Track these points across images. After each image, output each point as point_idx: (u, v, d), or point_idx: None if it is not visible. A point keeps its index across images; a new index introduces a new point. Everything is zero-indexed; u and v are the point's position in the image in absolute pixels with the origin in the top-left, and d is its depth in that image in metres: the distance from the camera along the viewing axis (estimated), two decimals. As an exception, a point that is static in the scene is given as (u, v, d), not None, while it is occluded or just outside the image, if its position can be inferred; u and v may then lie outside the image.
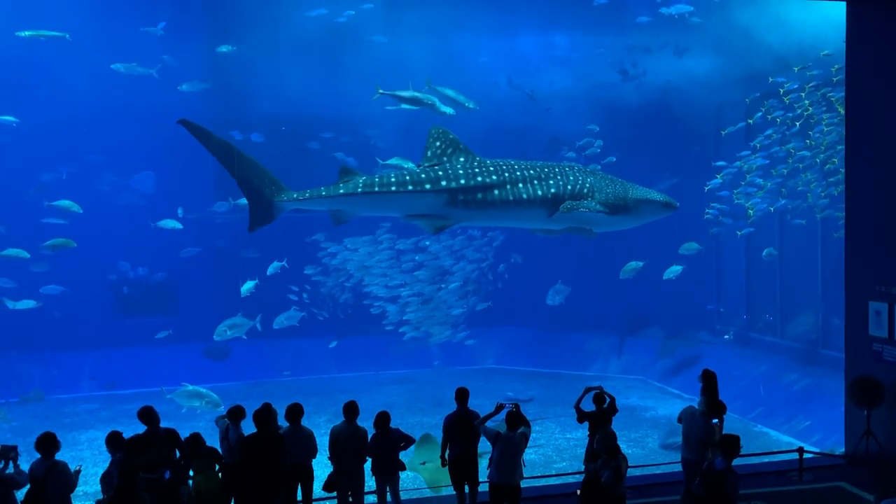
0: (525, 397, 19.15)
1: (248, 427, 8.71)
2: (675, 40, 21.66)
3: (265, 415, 8.36)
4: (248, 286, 19.86)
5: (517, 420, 8.47)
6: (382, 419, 8.80)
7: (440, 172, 13.07)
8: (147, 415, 8.47)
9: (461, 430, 8.98)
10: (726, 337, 22.38)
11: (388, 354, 22.90)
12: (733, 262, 22.97)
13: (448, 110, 16.28)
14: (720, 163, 20.63)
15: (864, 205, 11.81)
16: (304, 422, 8.83)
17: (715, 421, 8.72)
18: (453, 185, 12.95)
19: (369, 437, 8.83)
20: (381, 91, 16.18)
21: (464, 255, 23.26)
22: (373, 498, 9.07)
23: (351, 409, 8.81)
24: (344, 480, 8.78)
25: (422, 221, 13.31)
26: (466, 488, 9.17)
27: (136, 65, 20.33)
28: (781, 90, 18.26)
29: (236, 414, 8.73)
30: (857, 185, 11.98)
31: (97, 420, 18.40)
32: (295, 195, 13.11)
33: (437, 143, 13.48)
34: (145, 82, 21.34)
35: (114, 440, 8.17)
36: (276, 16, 21.26)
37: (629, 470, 10.34)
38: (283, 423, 8.74)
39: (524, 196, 13.10)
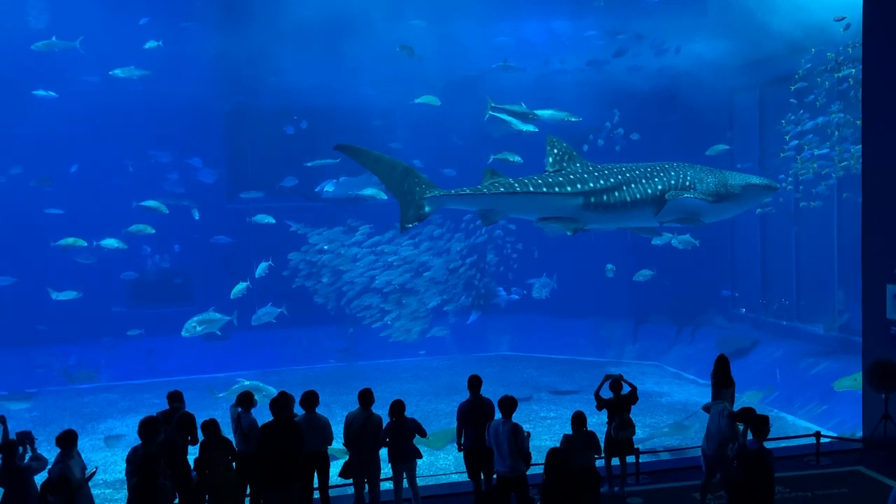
0: (572, 388, 19.06)
1: (258, 414, 8.79)
2: (683, 24, 21.39)
3: (282, 402, 8.41)
4: (239, 287, 19.79)
5: (509, 406, 8.42)
6: (397, 408, 8.83)
7: (571, 177, 13.63)
8: (174, 398, 8.71)
9: (475, 417, 8.98)
10: (739, 316, 22.27)
11: (402, 342, 22.94)
12: (748, 245, 22.83)
13: (530, 128, 17.11)
14: (790, 128, 19.45)
15: (881, 184, 11.66)
16: (319, 410, 8.87)
17: (741, 427, 8.66)
18: (587, 187, 13.49)
19: (384, 424, 8.87)
20: (492, 105, 17.01)
21: (448, 249, 23.31)
22: (389, 485, 9.12)
23: (366, 397, 8.85)
24: (359, 467, 8.83)
25: (557, 224, 13.81)
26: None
27: (54, 38, 20.12)
28: (830, 54, 17.54)
29: (246, 400, 8.80)
30: (874, 163, 11.82)
31: (116, 410, 18.59)
32: (453, 192, 13.52)
33: (555, 151, 13.99)
34: (153, 74, 21.52)
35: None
36: (282, 4, 21.23)
37: (644, 456, 10.43)
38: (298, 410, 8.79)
39: (638, 196, 13.68)
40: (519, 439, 8.23)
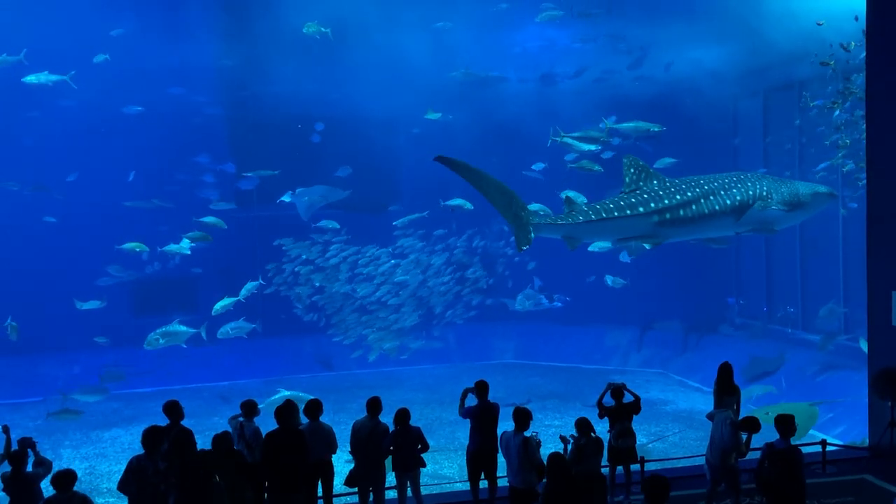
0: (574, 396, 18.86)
1: (262, 422, 8.79)
2: (684, 32, 21.32)
3: (287, 411, 8.40)
4: (223, 303, 19.60)
5: (523, 418, 8.41)
6: (402, 416, 8.82)
7: (645, 196, 13.98)
8: (172, 409, 8.55)
9: (482, 422, 9.02)
10: (737, 323, 22.12)
11: (405, 351, 22.92)
12: (753, 253, 22.77)
13: (592, 147, 17.71)
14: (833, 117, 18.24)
15: (886, 189, 11.61)
16: (323, 418, 8.86)
17: (745, 436, 8.62)
18: (661, 205, 13.88)
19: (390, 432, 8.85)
20: (562, 134, 17.51)
21: (431, 264, 23.35)
22: (393, 493, 9.10)
23: (374, 405, 8.86)
24: (365, 475, 8.82)
25: (634, 242, 14.37)
26: (485, 483, 9.18)
27: (4, 55, 19.97)
28: (849, 44, 17.32)
29: (249, 409, 8.79)
30: (879, 168, 11.76)
31: (120, 418, 18.56)
32: (549, 220, 14.11)
33: (632, 171, 14.32)
34: (158, 85, 21.52)
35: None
36: (281, 16, 21.28)
37: (649, 464, 10.38)
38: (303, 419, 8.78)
39: (716, 207, 14.03)
40: (530, 452, 8.24)
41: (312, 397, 15.02)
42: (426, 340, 23.21)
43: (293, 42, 21.53)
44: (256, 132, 24.17)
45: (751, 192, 14.14)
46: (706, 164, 20.84)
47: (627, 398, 9.54)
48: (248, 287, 20.35)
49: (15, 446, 7.91)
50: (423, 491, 9.25)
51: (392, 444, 8.77)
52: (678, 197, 13.89)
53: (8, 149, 21.94)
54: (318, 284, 22.93)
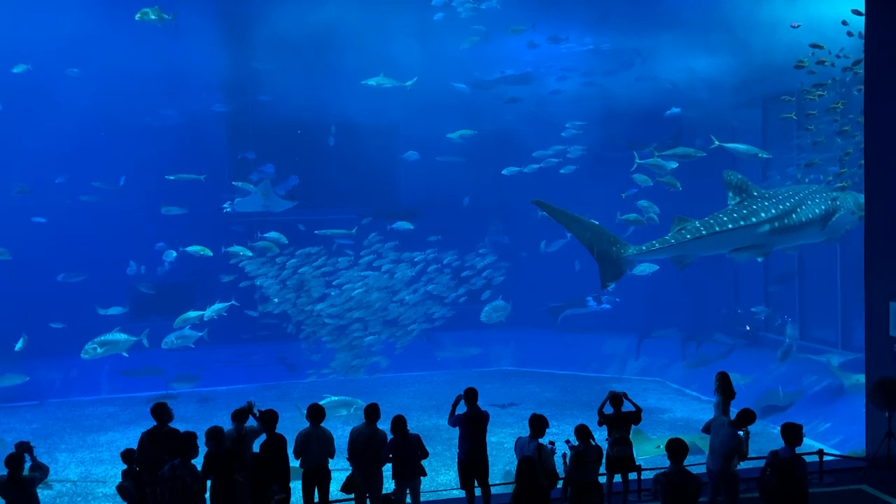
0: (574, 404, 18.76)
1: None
2: (681, 41, 21.33)
3: (271, 417, 8.58)
4: (185, 316, 19.42)
5: (539, 425, 8.43)
6: (398, 424, 8.82)
7: (755, 206, 14.65)
8: (158, 411, 8.58)
9: (471, 429, 9.05)
10: (742, 333, 22.14)
11: (404, 356, 22.87)
12: (750, 262, 22.75)
13: (672, 165, 18.26)
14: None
15: (884, 201, 11.65)
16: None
17: (741, 433, 8.65)
18: (770, 214, 14.53)
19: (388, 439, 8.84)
20: (656, 153, 18.01)
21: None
22: (390, 501, 9.09)
23: (372, 412, 8.87)
24: (362, 482, 8.80)
25: (746, 253, 14.89)
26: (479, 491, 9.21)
27: None
28: (839, 55, 16.82)
29: (239, 416, 8.87)
30: (877, 180, 11.81)
31: (116, 422, 18.51)
32: (644, 248, 14.50)
33: (733, 183, 15.00)
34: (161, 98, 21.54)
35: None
36: (281, 23, 21.27)
37: (645, 473, 10.38)
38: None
39: (811, 215, 14.81)
40: (543, 459, 8.29)
41: (358, 401, 15.14)
42: (424, 346, 23.14)
43: (288, 48, 21.56)
44: (254, 137, 24.21)
45: (830, 202, 14.89)
46: (704, 173, 20.89)
47: (627, 407, 9.56)
48: (215, 308, 20.03)
49: (11, 450, 7.92)
50: (420, 498, 9.22)
51: (391, 453, 8.76)
52: (781, 206, 14.52)
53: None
54: (274, 300, 22.61)
